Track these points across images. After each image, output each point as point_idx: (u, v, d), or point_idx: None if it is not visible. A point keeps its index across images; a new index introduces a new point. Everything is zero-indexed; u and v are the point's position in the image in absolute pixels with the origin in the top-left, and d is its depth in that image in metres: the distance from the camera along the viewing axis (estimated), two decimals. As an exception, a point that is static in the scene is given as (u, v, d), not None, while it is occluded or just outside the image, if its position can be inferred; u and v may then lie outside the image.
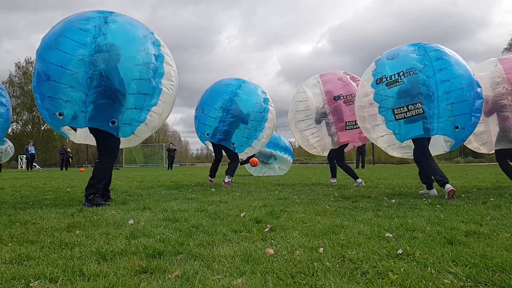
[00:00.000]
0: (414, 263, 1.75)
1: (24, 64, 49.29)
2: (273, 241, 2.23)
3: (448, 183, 4.51)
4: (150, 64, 4.07)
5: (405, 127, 4.69)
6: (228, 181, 6.94)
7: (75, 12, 4.15)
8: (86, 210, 3.55)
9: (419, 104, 4.56)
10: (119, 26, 4.03)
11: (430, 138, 4.83)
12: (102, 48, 3.79)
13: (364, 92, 5.10)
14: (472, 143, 6.00)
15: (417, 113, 4.58)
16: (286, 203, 4.02)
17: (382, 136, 5.05)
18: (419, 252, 1.92)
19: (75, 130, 4.45)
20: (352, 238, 2.26)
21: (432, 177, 4.74)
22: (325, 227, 2.63)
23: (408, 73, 4.66)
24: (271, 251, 1.95)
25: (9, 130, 51.71)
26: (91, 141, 4.45)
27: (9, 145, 19.81)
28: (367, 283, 1.49)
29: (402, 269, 1.65)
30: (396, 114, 4.70)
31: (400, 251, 1.92)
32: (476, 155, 75.27)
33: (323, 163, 54.94)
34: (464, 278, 1.54)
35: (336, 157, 7.24)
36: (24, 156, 27.33)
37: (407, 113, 4.62)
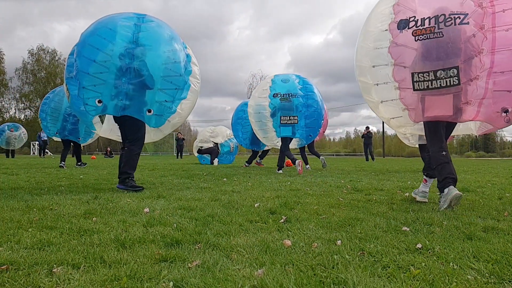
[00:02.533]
0: (435, 258, 1.73)
1: (37, 51, 49.72)
2: (289, 233, 2.22)
3: (281, 168, 8.09)
4: (180, 62, 4.42)
5: (281, 128, 7.61)
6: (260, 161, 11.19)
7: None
8: (101, 198, 3.59)
9: (297, 118, 7.51)
10: (152, 28, 4.38)
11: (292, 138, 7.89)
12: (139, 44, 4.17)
13: (262, 100, 7.90)
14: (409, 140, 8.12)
15: (293, 122, 7.52)
16: (299, 195, 4.01)
17: (263, 129, 8.05)
18: (439, 247, 1.90)
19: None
20: (369, 231, 2.24)
21: None
22: (340, 219, 2.62)
23: (294, 96, 7.56)
24: (288, 242, 1.95)
25: (22, 116, 52.06)
26: (115, 135, 4.85)
27: (22, 131, 20.13)
28: (389, 277, 1.48)
29: (423, 263, 1.63)
30: (282, 119, 7.55)
31: (419, 246, 1.91)
32: (488, 150, 74.48)
33: (333, 155, 54.69)
34: (487, 274, 1.52)
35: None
36: (37, 142, 27.72)
37: (288, 121, 7.52)
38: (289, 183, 5.40)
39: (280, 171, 7.93)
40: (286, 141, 7.74)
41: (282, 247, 1.89)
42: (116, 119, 4.50)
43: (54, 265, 1.57)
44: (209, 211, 2.88)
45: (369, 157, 17.86)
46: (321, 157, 9.89)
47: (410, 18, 3.12)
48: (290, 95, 7.53)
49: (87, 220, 2.54)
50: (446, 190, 3.04)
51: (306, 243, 1.97)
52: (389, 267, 1.59)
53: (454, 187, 3.05)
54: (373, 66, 3.42)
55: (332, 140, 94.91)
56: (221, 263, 1.62)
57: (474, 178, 6.74)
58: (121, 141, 4.82)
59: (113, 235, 2.08)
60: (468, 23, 2.91)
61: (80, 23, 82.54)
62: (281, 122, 7.49)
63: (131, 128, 4.41)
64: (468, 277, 1.48)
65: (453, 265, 1.61)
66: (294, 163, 7.56)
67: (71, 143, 9.41)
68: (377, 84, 3.45)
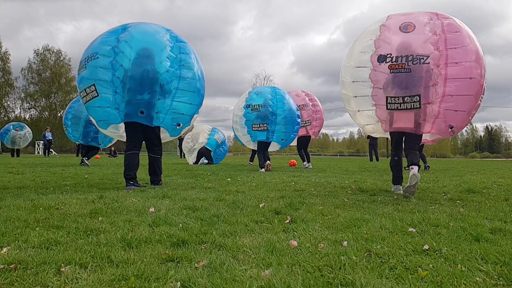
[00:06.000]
0: (442, 259, 1.72)
1: (42, 51, 50.00)
2: (295, 233, 2.22)
3: (263, 167, 8.69)
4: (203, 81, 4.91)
5: (257, 133, 8.67)
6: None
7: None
8: (106, 197, 3.60)
9: (266, 125, 8.54)
10: (189, 49, 4.81)
11: (269, 142, 8.81)
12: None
13: (239, 110, 8.98)
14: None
15: (263, 129, 8.58)
16: (303, 195, 4.01)
17: (242, 135, 9.11)
18: (446, 248, 1.89)
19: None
20: (375, 232, 2.23)
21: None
22: (346, 220, 2.62)
23: (264, 106, 8.59)
24: (294, 243, 1.95)
25: (27, 116, 52.09)
26: (118, 135, 5.08)
27: (27, 131, 20.25)
28: (396, 278, 1.48)
29: (431, 265, 1.62)
30: (254, 126, 8.66)
31: (426, 247, 1.90)
32: (493, 150, 74.00)
33: (336, 155, 54.52)
34: (495, 276, 1.51)
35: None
36: (41, 142, 27.87)
37: (259, 128, 8.61)
38: (293, 183, 5.39)
39: (262, 170, 8.71)
40: (260, 144, 8.86)
41: (288, 247, 1.89)
42: (141, 126, 4.62)
43: (62, 265, 1.58)
44: (214, 211, 2.88)
45: (373, 157, 17.79)
46: (305, 163, 10.60)
47: (387, 54, 3.96)
48: (260, 105, 8.65)
49: (93, 219, 2.54)
50: (395, 186, 4.44)
51: (312, 244, 1.97)
52: (396, 269, 1.58)
53: (401, 185, 4.42)
54: (353, 82, 4.24)
55: (335, 140, 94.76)
56: (227, 263, 1.62)
57: (479, 179, 6.71)
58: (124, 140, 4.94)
59: (119, 235, 2.08)
60: (428, 63, 3.80)
61: (86, 23, 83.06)
62: (253, 129, 8.68)
63: (158, 136, 4.83)
64: (477, 279, 1.47)
65: (461, 267, 1.60)
66: (261, 167, 8.76)
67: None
68: (356, 97, 4.27)
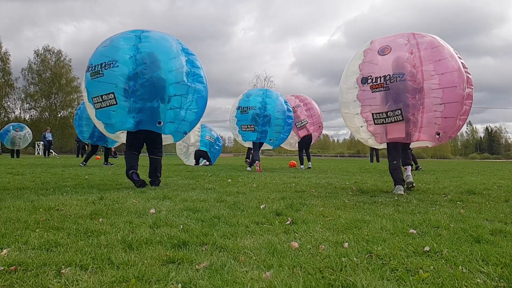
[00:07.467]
0: (443, 261, 1.72)
1: (43, 52, 49.99)
2: (296, 235, 2.22)
3: (259, 162, 9.07)
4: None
5: (247, 134, 9.24)
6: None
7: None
8: (107, 198, 3.60)
9: (253, 126, 9.07)
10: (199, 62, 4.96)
11: (262, 142, 9.33)
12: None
13: (233, 111, 9.54)
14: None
15: (250, 130, 9.11)
16: (304, 196, 4.00)
17: (236, 134, 9.62)
18: (447, 250, 1.89)
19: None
20: (376, 234, 2.23)
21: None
22: (347, 221, 2.61)
23: (252, 108, 9.15)
24: (295, 244, 1.94)
25: (27, 116, 51.97)
26: (119, 137, 5.17)
27: (27, 132, 20.25)
28: (397, 280, 1.47)
29: (432, 266, 1.62)
30: (242, 127, 9.25)
31: (427, 248, 1.89)
32: (493, 151, 74.01)
33: (337, 156, 54.57)
34: (496, 278, 1.51)
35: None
36: (41, 142, 27.89)
37: (247, 128, 9.19)
38: (294, 184, 5.39)
39: (249, 168, 9.51)
40: (254, 144, 9.42)
41: (289, 249, 1.89)
42: (144, 132, 4.73)
43: (62, 266, 1.58)
44: (215, 212, 2.88)
45: (374, 158, 17.78)
46: (302, 166, 10.95)
47: (368, 76, 4.42)
48: (248, 107, 9.21)
49: (93, 221, 2.54)
50: (396, 187, 4.54)
51: (313, 245, 1.96)
52: (397, 270, 1.58)
53: (402, 186, 4.55)
54: (354, 101, 4.59)
55: (336, 141, 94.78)
56: (228, 265, 1.62)
57: (479, 180, 6.70)
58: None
59: (120, 236, 2.08)
60: (405, 80, 4.20)
61: (86, 23, 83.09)
62: (242, 129, 9.29)
63: (160, 139, 5.00)
64: (478, 280, 1.47)
65: (462, 269, 1.60)
66: (254, 163, 9.16)
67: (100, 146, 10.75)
68: (358, 114, 4.64)
